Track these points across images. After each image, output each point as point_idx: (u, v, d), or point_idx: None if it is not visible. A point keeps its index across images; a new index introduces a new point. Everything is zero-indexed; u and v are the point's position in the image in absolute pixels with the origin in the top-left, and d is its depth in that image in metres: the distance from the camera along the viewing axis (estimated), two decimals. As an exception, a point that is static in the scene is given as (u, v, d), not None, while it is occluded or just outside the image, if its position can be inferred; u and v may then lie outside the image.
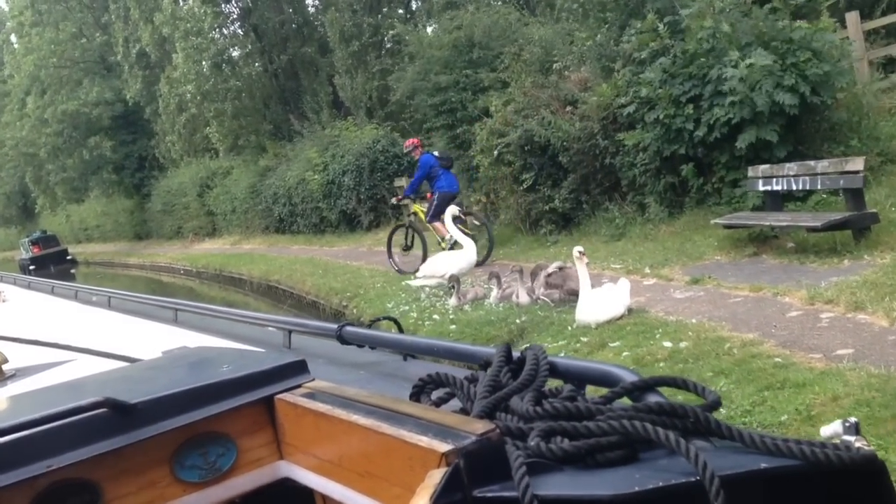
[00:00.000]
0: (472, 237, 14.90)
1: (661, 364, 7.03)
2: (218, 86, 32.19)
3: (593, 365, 1.79)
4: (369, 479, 1.56)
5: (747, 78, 10.26)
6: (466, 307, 11.12)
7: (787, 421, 5.44)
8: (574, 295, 9.71)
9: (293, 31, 33.79)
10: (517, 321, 9.74)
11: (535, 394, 1.59)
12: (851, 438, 1.28)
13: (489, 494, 1.26)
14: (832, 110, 10.98)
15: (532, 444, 1.35)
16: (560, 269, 10.06)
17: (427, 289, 12.72)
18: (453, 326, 10.33)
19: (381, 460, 1.50)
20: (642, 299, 9.34)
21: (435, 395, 1.79)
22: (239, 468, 1.85)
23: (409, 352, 2.74)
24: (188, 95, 33.93)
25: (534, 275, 10.22)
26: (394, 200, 17.66)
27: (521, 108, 14.57)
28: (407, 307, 12.22)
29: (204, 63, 32.75)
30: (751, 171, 10.49)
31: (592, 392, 1.72)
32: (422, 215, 15.46)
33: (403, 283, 13.09)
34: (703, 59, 11.03)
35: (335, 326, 2.93)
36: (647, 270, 10.73)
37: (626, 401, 1.55)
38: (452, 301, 11.27)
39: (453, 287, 12.09)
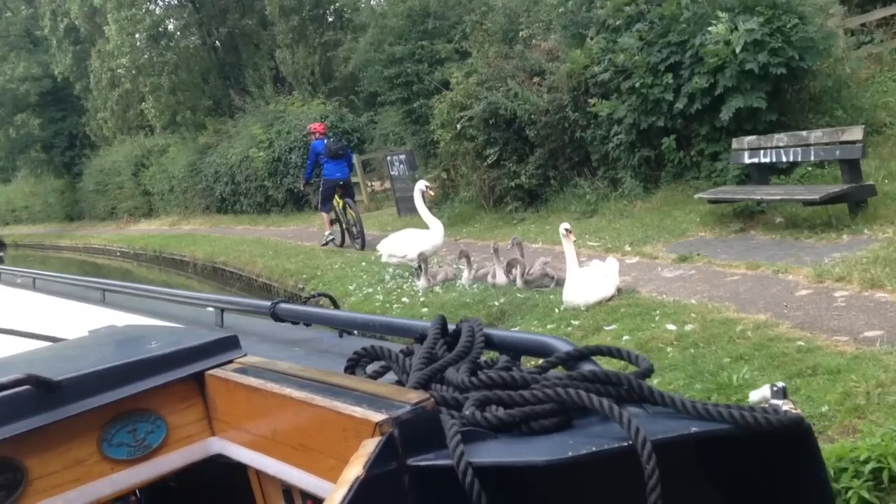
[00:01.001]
0: (357, 227, 15.06)
1: (670, 349, 6.49)
2: (154, 59, 30.76)
3: (529, 336, 1.82)
4: (303, 452, 1.55)
5: (733, 42, 9.74)
6: (437, 288, 10.47)
7: (829, 412, 4.92)
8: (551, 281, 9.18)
9: (232, 3, 32.45)
10: (495, 303, 9.12)
11: (471, 365, 1.59)
12: (779, 402, 1.32)
13: (424, 463, 1.26)
14: (816, 79, 10.55)
15: (467, 413, 1.35)
16: (545, 263, 9.45)
17: (391, 269, 12.03)
18: (425, 309, 9.67)
19: (315, 433, 1.49)
20: (629, 278, 8.81)
21: (370, 368, 1.77)
22: (169, 445, 1.83)
23: (345, 328, 2.71)
24: (122, 70, 32.37)
25: (510, 266, 9.57)
26: (301, 187, 17.90)
27: (485, 79, 13.89)
28: (371, 289, 11.52)
29: (138, 35, 31.29)
30: (735, 143, 10.00)
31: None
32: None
33: (381, 260, 12.34)
34: (683, 26, 10.47)
35: (269, 304, 2.84)
36: (628, 248, 10.20)
37: (561, 370, 1.56)
38: (421, 282, 10.60)
39: (420, 268, 11.43)
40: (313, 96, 25.76)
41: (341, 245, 15.96)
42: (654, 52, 10.81)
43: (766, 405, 1.33)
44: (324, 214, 15.94)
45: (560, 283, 9.10)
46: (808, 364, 5.52)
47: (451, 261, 11.94)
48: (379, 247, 11.56)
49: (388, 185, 21.76)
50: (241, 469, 1.87)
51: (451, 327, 1.82)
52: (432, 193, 12.23)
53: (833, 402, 4.97)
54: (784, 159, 9.36)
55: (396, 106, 17.94)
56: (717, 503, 1.42)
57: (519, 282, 9.38)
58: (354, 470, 1.22)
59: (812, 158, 9.05)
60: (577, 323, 7.77)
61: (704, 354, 6.18)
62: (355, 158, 21.07)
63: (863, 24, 12.27)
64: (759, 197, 9.18)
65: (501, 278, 9.65)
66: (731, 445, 1.30)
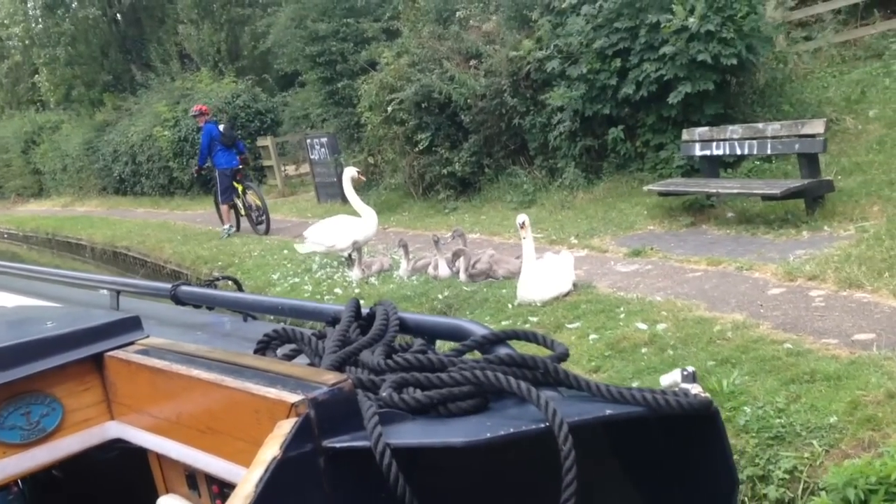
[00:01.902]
0: (260, 211, 14.72)
1: (644, 349, 6.06)
2: (49, 29, 28.88)
3: (444, 320, 1.85)
4: (211, 435, 1.50)
5: (690, 28, 9.40)
6: (372, 280, 9.83)
7: (838, 424, 4.56)
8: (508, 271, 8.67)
9: (135, -27, 30.80)
10: (439, 296, 8.56)
11: (386, 348, 1.62)
12: (689, 386, 1.40)
13: (340, 445, 1.24)
14: (762, 72, 10.33)
15: (384, 394, 1.36)
16: (491, 256, 8.94)
17: (317, 258, 11.31)
18: (361, 302, 9.00)
19: (225, 415, 1.44)
20: (580, 272, 8.37)
21: (280, 351, 1.74)
22: (65, 429, 1.77)
23: (252, 311, 2.60)
24: (13, 40, 30.29)
25: (456, 256, 8.99)
26: (193, 172, 17.00)
27: (418, 60, 13.24)
28: (297, 279, 10.78)
29: (32, 3, 29.30)
30: (686, 134, 9.68)
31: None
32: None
33: (294, 246, 11.59)
34: (634, 8, 10.06)
35: (169, 286, 2.72)
36: (574, 241, 9.77)
37: (476, 354, 1.57)
38: (355, 273, 9.93)
39: (351, 257, 10.75)
40: (222, 74, 24.55)
41: (236, 231, 15.37)
42: (602, 37, 10.37)
43: (677, 389, 1.36)
44: (224, 206, 15.16)
45: (509, 276, 8.62)
46: (802, 369, 5.15)
47: (382, 250, 11.33)
48: (306, 234, 10.81)
49: (303, 169, 20.92)
50: (140, 454, 1.79)
51: (364, 311, 1.78)
52: (363, 179, 11.55)
53: (841, 413, 4.61)
54: (738, 152, 9.07)
55: (318, 86, 17.08)
56: (628, 482, 1.43)
57: (462, 275, 8.82)
58: (270, 451, 1.18)
59: (768, 151, 8.77)
60: (534, 319, 7.28)
61: (684, 357, 5.76)
62: (269, 140, 20.21)
63: (800, 20, 12.18)
64: (714, 190, 8.86)
65: (444, 270, 9.08)
66: (642, 427, 1.33)
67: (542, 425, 1.21)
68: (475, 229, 11.57)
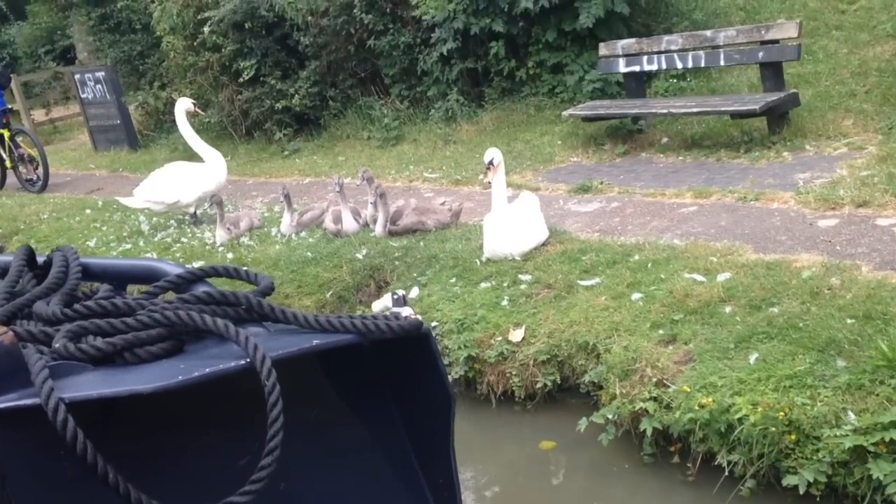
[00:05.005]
0: (35, 163, 11.99)
1: (728, 308, 4.67)
2: None
3: (134, 262, 1.66)
4: None
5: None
6: (245, 240, 7.63)
7: None
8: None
9: None
10: (358, 256, 6.62)
11: (66, 297, 1.42)
12: (399, 310, 1.87)
13: (4, 405, 1.09)
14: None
15: (58, 346, 1.21)
16: (415, 206, 7.07)
17: (143, 217, 8.85)
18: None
19: None
20: (530, 215, 6.74)
21: None
22: None
23: None
24: None
25: (383, 197, 6.98)
26: None
27: (235, -30, 10.81)
28: (129, 245, 8.28)
29: None
30: (604, 49, 8.28)
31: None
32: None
33: (119, 201, 8.89)
34: None
35: None
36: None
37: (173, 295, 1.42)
38: (220, 234, 7.65)
39: (197, 214, 8.45)
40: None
41: None
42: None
43: (388, 313, 1.61)
44: None
45: (440, 227, 6.87)
46: None
47: (229, 204, 9.05)
48: (136, 191, 8.32)
49: (56, 113, 17.52)
50: None
51: (40, 259, 1.58)
52: (200, 112, 9.16)
53: None
54: (679, 65, 7.86)
55: (84, 10, 13.88)
56: (348, 410, 1.40)
57: (380, 229, 6.91)
58: None
59: (721, 63, 7.61)
60: (527, 278, 5.62)
61: (800, 315, 4.39)
62: (14, 81, 16.57)
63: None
64: (663, 110, 7.56)
65: (350, 224, 7.11)
66: (357, 355, 1.32)
67: (243, 362, 1.12)
68: (333, 173, 9.55)
